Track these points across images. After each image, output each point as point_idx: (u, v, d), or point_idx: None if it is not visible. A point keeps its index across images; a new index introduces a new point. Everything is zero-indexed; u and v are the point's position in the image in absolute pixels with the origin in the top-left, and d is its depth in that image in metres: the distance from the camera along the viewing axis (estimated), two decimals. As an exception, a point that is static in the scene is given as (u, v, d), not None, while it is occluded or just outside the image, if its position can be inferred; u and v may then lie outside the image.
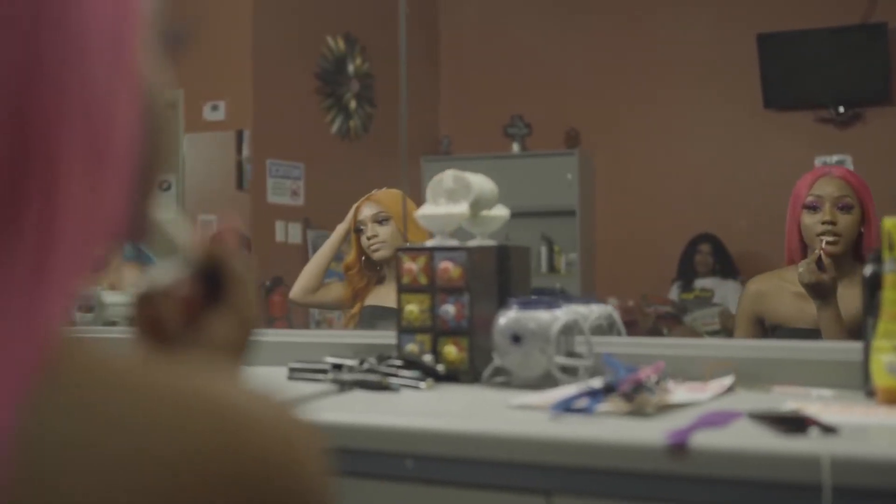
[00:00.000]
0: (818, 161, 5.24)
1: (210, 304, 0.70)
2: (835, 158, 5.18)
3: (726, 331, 4.72)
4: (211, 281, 0.70)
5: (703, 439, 1.21)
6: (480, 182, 1.71)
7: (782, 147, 5.27)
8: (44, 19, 0.40)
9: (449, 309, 1.63)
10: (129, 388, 0.44)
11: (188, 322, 0.69)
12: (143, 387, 0.44)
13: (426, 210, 1.69)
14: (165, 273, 0.70)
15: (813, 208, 2.41)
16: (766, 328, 2.52)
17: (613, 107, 5.61)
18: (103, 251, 0.47)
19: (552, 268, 5.49)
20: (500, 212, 1.76)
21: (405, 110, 2.39)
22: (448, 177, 1.69)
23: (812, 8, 5.19)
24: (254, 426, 0.44)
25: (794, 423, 1.25)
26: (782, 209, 5.28)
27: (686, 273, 5.15)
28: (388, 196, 2.88)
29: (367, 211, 2.85)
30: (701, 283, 5.11)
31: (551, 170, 5.56)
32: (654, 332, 4.72)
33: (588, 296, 1.70)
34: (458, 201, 1.67)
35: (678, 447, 1.21)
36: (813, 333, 2.34)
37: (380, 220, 2.82)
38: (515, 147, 5.80)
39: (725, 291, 5.04)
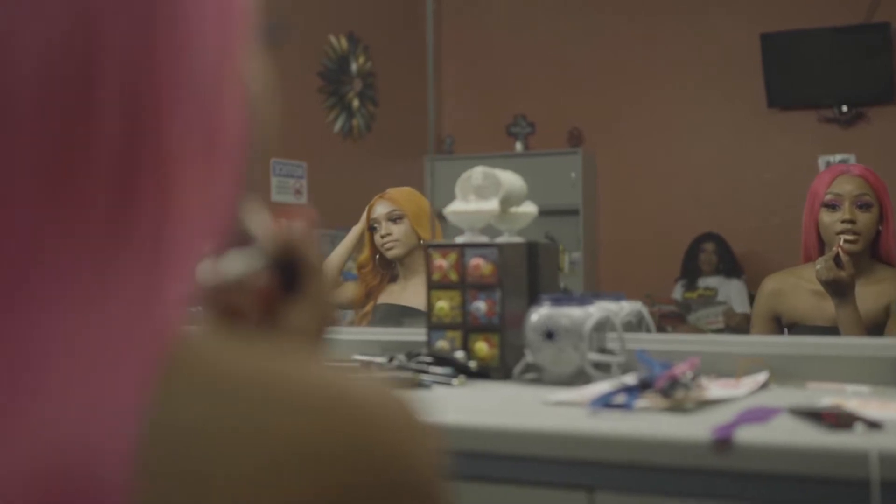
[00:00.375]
0: (821, 160, 5.25)
1: (286, 295, 0.69)
2: (838, 158, 5.19)
3: (730, 330, 4.72)
4: (286, 272, 0.70)
5: (748, 435, 1.21)
6: (510, 179, 1.71)
7: (786, 146, 5.28)
8: (160, 6, 0.40)
9: (480, 305, 1.62)
10: (246, 375, 0.43)
11: (265, 313, 0.69)
12: (260, 373, 0.44)
13: (456, 207, 1.68)
14: (241, 263, 0.69)
15: (832, 206, 2.41)
16: (782, 326, 2.52)
17: (617, 106, 5.61)
18: (215, 243, 0.47)
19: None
20: (529, 208, 1.76)
21: (433, 107, 2.38)
22: (477, 173, 1.69)
23: (816, 7, 5.20)
24: (369, 408, 0.44)
25: (838, 419, 1.25)
26: (786, 208, 5.29)
27: (690, 272, 5.15)
28: (402, 194, 2.87)
29: (380, 209, 2.84)
30: (705, 282, 5.11)
31: (554, 169, 5.55)
32: (658, 331, 4.71)
33: (617, 293, 1.69)
34: (487, 198, 1.67)
35: (723, 442, 1.20)
36: (831, 331, 2.34)
37: (394, 219, 2.81)
38: (518, 146, 5.80)
39: (729, 290, 5.04)
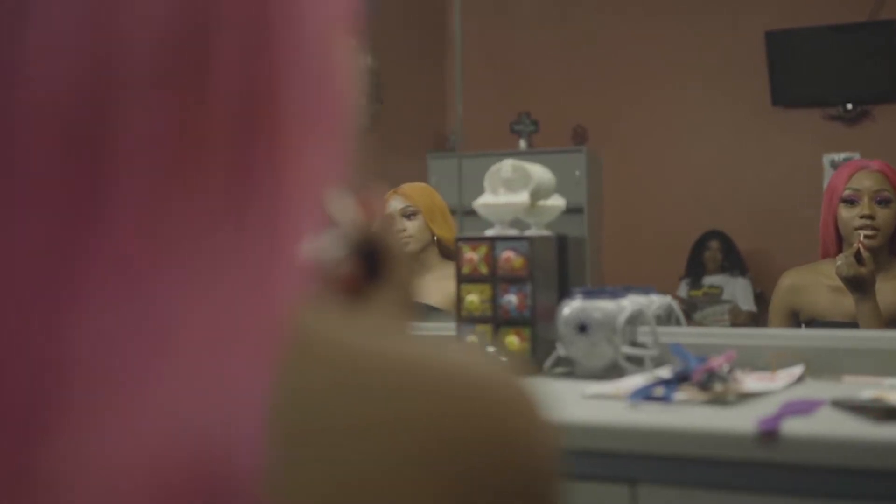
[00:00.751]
0: (826, 158, 5.26)
1: (370, 282, 0.68)
2: (843, 156, 5.20)
3: (736, 328, 4.72)
4: (369, 259, 0.69)
5: (793, 427, 1.20)
6: (539, 171, 1.70)
7: (790, 144, 5.28)
8: None
9: (511, 299, 1.61)
10: (365, 356, 0.43)
11: (350, 300, 0.68)
12: (376, 354, 0.43)
13: (486, 199, 1.67)
14: (326, 249, 0.68)
15: (851, 202, 2.40)
16: (800, 322, 2.51)
17: (621, 104, 5.61)
18: (323, 220, 0.46)
19: (559, 265, 5.47)
20: (557, 202, 1.75)
21: (460, 99, 2.37)
22: (506, 166, 1.68)
23: (820, 5, 5.20)
24: (501, 393, 0.43)
25: (882, 411, 1.24)
26: (790, 206, 5.30)
27: (695, 270, 5.14)
28: (416, 190, 2.86)
29: (394, 205, 2.82)
30: (710, 280, 5.10)
31: (559, 167, 5.48)
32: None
33: (646, 286, 1.69)
34: (516, 191, 1.66)
35: (769, 434, 1.20)
36: (850, 327, 2.33)
37: (408, 215, 2.79)
38: (522, 144, 5.79)
39: (734, 288, 5.04)
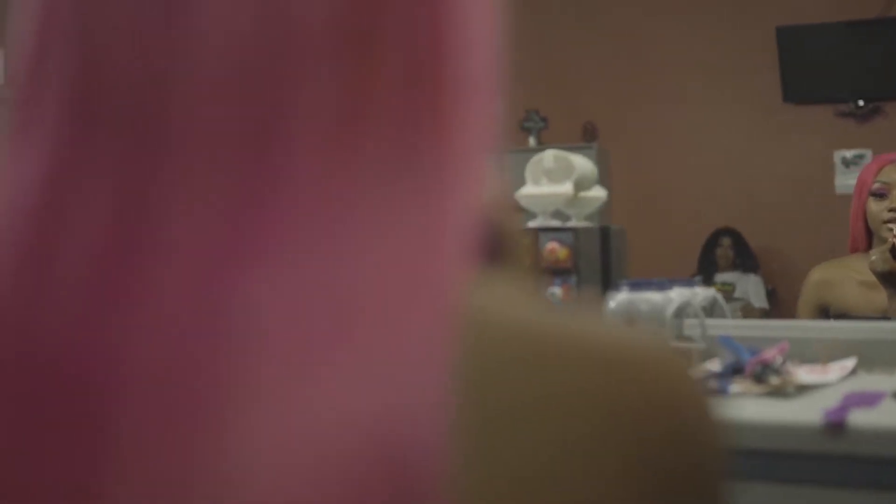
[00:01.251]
0: (837, 155, 5.25)
1: (489, 265, 0.66)
2: (854, 153, 5.19)
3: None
4: (488, 242, 0.66)
5: (859, 418, 1.18)
6: (581, 162, 1.68)
7: (801, 141, 5.26)
8: None
9: (556, 291, 1.59)
10: (536, 331, 0.41)
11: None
12: (546, 329, 0.41)
13: (528, 190, 1.65)
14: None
15: (880, 195, 2.38)
16: (829, 317, 2.49)
17: (631, 100, 5.59)
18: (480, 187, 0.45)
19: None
20: (598, 193, 1.73)
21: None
22: (548, 157, 1.66)
23: (831, 1, 5.18)
24: (658, 362, 0.41)
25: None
26: (801, 203, 5.28)
27: (707, 267, 5.12)
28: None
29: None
30: (722, 277, 5.08)
31: (569, 164, 5.53)
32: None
33: (690, 279, 1.66)
34: (558, 181, 1.63)
35: (836, 426, 1.17)
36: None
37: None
38: (532, 141, 5.76)
39: (746, 286, 5.02)
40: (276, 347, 0.34)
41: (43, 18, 0.39)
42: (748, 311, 4.83)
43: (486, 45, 0.44)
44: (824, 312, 2.50)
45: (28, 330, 0.35)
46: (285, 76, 0.35)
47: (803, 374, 1.45)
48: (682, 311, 1.59)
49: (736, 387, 1.34)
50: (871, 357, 1.56)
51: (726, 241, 5.12)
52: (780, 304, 5.02)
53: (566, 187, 1.59)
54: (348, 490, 0.33)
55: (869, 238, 2.44)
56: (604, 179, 5.66)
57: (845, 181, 5.17)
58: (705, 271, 5.11)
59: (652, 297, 1.52)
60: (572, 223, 1.68)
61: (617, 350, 0.40)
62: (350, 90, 0.37)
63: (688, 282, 1.68)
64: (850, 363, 1.51)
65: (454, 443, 0.35)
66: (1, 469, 0.33)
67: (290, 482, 0.33)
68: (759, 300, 4.94)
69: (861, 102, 5.19)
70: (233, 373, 0.34)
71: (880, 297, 2.31)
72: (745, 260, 5.10)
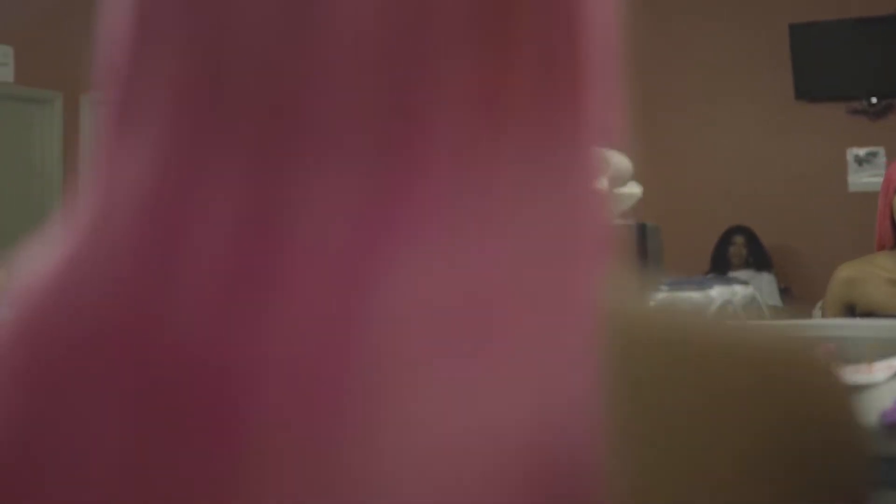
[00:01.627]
0: (850, 153, 5.23)
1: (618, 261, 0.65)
2: (866, 150, 5.17)
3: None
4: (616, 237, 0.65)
5: (917, 419, 1.16)
6: (616, 158, 1.65)
7: (814, 139, 5.24)
8: None
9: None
10: (682, 332, 0.40)
11: None
12: (690, 330, 0.40)
13: (564, 187, 1.63)
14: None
15: (907, 192, 2.36)
16: (855, 315, 2.46)
17: (643, 99, 5.57)
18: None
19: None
20: (633, 189, 1.70)
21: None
22: (583, 153, 1.64)
23: (844, -2, 5.17)
24: (805, 362, 0.39)
25: None
26: (814, 201, 5.26)
27: (720, 265, 5.10)
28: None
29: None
30: (735, 275, 5.05)
31: (579, 162, 5.51)
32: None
33: (728, 277, 1.64)
34: (594, 178, 1.61)
35: (893, 427, 1.15)
36: (909, 320, 2.29)
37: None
38: (541, 139, 5.76)
39: (760, 284, 5.00)
40: (420, 347, 0.32)
41: (146, 12, 0.37)
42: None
43: (612, 28, 0.44)
44: (851, 311, 2.48)
45: (162, 327, 0.33)
46: (423, 59, 0.34)
47: (850, 374, 1.43)
48: (722, 311, 1.56)
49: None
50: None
51: (739, 239, 5.11)
52: (793, 303, 5.00)
53: (601, 183, 1.56)
54: (502, 499, 0.31)
55: (895, 235, 2.41)
56: (615, 177, 5.66)
57: (858, 179, 5.16)
58: (718, 269, 5.10)
59: (693, 296, 1.50)
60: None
61: (767, 350, 0.39)
62: (489, 72, 0.35)
63: (727, 280, 1.65)
64: (896, 362, 1.49)
65: (613, 448, 0.33)
66: (144, 465, 0.32)
67: (438, 489, 0.31)
68: (773, 298, 4.92)
69: (874, 100, 5.17)
70: (375, 374, 0.32)
71: (908, 294, 2.29)
72: (758, 258, 5.08)
